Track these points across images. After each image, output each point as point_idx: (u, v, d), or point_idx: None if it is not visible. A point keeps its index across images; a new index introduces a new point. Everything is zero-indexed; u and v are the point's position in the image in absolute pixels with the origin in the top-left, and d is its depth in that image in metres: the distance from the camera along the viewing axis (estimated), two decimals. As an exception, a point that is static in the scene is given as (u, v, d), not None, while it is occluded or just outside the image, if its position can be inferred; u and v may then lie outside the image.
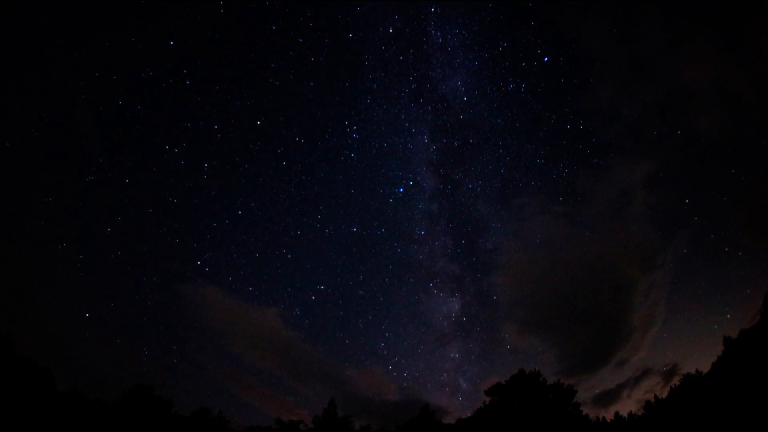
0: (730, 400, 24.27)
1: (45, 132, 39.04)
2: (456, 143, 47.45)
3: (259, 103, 43.42)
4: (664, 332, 47.06)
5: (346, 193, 48.46)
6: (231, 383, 47.39)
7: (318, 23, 40.99)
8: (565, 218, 48.88)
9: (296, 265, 48.85)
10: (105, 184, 41.61)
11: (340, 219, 49.23)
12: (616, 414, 33.70)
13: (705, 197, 45.92)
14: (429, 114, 46.64)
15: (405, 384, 48.39)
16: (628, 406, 52.25)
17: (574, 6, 42.04)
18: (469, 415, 34.78)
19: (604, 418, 33.77)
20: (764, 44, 40.38)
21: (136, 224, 43.34)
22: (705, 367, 28.85)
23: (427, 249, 50.12)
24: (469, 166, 48.44)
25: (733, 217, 45.02)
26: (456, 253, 50.58)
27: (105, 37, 37.72)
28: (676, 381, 30.54)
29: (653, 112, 46.41)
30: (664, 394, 31.09)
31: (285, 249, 47.94)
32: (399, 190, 48.20)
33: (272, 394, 48.24)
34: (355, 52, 43.02)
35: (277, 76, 42.71)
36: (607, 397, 45.98)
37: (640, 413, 31.74)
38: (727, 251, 44.23)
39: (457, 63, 44.04)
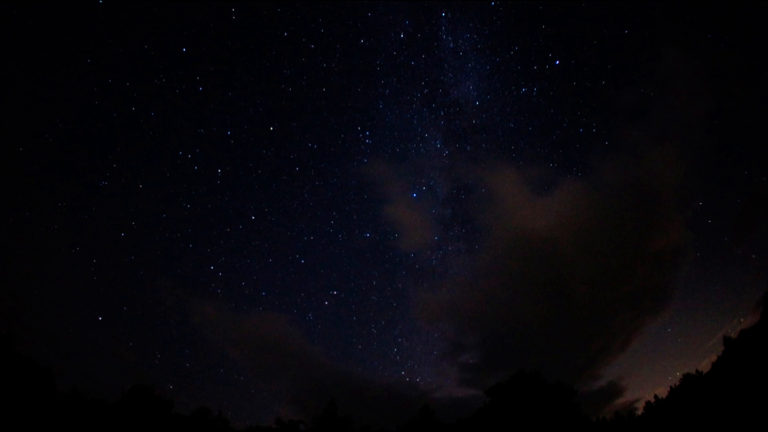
0: (730, 400, 24.28)
1: (59, 137, 39.10)
2: (468, 148, 47.18)
3: (271, 109, 43.40)
4: (678, 337, 46.48)
5: (359, 198, 48.32)
6: (237, 384, 47.41)
7: (330, 29, 40.92)
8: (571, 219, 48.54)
9: (309, 270, 48.82)
10: (118, 189, 41.46)
11: (353, 224, 48.91)
12: (616, 414, 33.79)
13: (718, 200, 45.23)
14: (441, 119, 46.37)
15: (418, 390, 48.45)
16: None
17: (586, 8, 41.63)
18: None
19: (604, 418, 33.82)
20: None
21: (149, 229, 43.20)
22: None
23: (441, 254, 50.01)
24: (481, 170, 48.15)
25: (746, 219, 44.31)
26: (469, 258, 50.51)
27: (118, 43, 37.65)
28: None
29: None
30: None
31: (298, 254, 48.02)
32: (412, 195, 48.26)
33: (275, 395, 48.33)
34: (367, 58, 42.93)
35: (290, 82, 42.75)
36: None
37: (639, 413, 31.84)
38: (741, 254, 43.77)
39: (469, 67, 43.86)
